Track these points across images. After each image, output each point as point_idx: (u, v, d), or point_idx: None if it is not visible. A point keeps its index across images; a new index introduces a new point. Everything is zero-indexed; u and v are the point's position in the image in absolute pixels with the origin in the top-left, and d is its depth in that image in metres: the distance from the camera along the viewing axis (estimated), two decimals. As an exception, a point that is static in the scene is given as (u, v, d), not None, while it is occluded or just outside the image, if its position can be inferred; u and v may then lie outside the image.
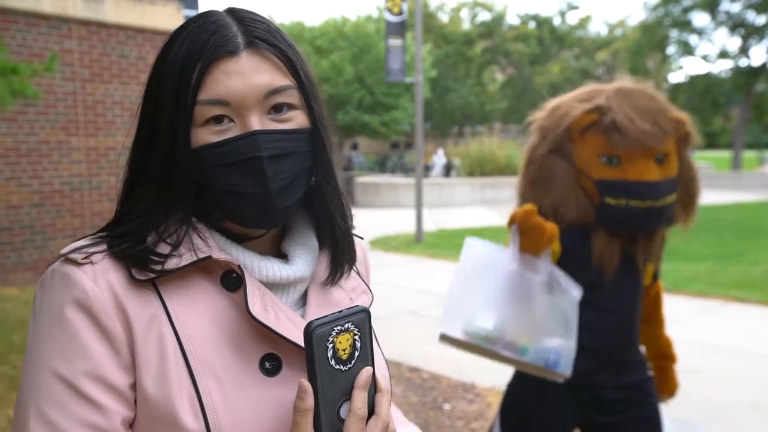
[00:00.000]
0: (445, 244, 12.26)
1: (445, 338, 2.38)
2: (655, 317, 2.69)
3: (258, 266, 1.00)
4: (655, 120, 2.37)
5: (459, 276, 2.51)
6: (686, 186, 2.54)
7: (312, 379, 0.87)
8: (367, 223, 16.09)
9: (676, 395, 2.71)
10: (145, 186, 0.98)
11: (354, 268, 1.16)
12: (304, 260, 1.06)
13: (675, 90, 36.70)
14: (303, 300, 1.07)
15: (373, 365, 0.93)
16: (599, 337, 2.51)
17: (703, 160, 39.96)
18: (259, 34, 0.98)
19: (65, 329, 0.89)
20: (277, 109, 0.98)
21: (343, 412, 0.90)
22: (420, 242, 12.99)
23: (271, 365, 0.97)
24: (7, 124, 7.40)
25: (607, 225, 2.46)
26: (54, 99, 7.72)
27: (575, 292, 2.35)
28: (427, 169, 18.38)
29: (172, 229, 0.96)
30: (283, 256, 1.07)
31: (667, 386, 2.68)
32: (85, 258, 0.91)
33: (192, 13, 15.96)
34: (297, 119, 1.00)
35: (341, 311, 0.90)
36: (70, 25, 7.74)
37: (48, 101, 7.63)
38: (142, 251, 0.93)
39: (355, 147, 33.41)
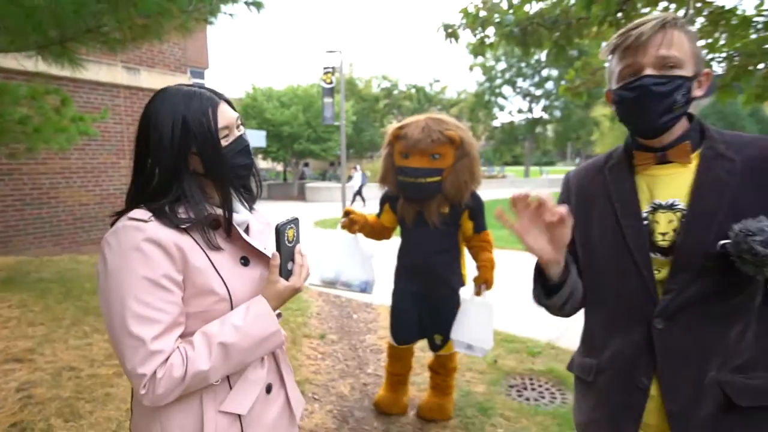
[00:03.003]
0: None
1: (312, 284, 2.42)
2: (480, 254, 2.49)
3: (236, 218, 1.03)
4: (428, 134, 2.30)
5: (320, 250, 2.56)
6: (456, 176, 2.37)
7: (278, 250, 1.00)
8: (313, 211, 15.84)
9: (492, 283, 2.50)
10: (173, 187, 0.96)
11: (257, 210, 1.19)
12: (246, 210, 1.09)
13: (494, 131, 37.56)
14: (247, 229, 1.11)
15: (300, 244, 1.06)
16: (411, 258, 2.50)
17: (510, 172, 41.48)
18: (222, 95, 1.04)
19: (145, 254, 0.89)
20: (241, 125, 1.06)
21: (290, 266, 1.03)
22: (344, 221, 12.85)
23: (243, 261, 1.03)
24: (78, 152, 7.01)
25: (402, 192, 2.45)
26: (109, 136, 7.33)
27: (370, 251, 2.48)
28: (349, 179, 18.32)
29: (192, 202, 0.96)
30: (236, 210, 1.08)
31: (482, 276, 2.46)
32: (148, 218, 0.92)
33: (198, 81, 15.30)
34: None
35: (288, 219, 1.04)
36: (119, 89, 7.38)
37: (104, 137, 7.24)
38: (173, 214, 0.94)
39: (306, 165, 32.82)
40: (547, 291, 1.09)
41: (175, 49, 8.11)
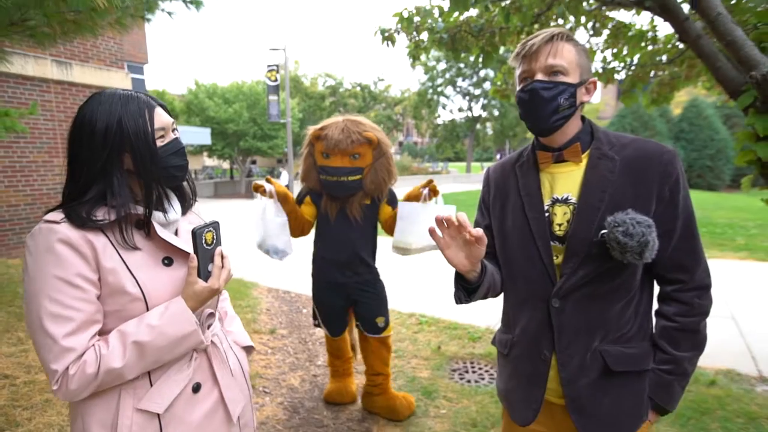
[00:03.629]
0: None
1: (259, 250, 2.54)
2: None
3: (158, 216, 1.03)
4: (348, 135, 2.35)
5: (264, 223, 2.54)
6: (375, 174, 2.44)
7: (195, 253, 0.99)
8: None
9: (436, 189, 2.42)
10: (97, 184, 0.96)
11: (196, 213, 1.20)
12: (176, 209, 1.09)
13: (437, 128, 38.31)
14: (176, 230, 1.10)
15: (221, 246, 1.05)
16: (336, 252, 2.51)
17: (453, 167, 42.45)
18: (158, 100, 1.06)
19: (57, 255, 0.90)
20: (175, 130, 1.06)
21: (209, 267, 1.02)
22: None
23: (167, 261, 1.03)
24: (4, 150, 6.45)
25: (325, 190, 2.48)
26: (39, 133, 6.78)
27: (282, 219, 2.49)
28: (297, 174, 18.09)
29: (118, 199, 0.96)
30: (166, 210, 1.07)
31: (423, 186, 2.44)
32: (60, 220, 0.93)
33: (136, 76, 14.43)
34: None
35: (207, 223, 1.03)
36: (49, 84, 6.84)
37: (35, 134, 6.70)
38: (86, 215, 0.94)
39: (254, 162, 31.97)
40: (468, 292, 1.19)
41: (110, 43, 7.63)
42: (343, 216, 2.49)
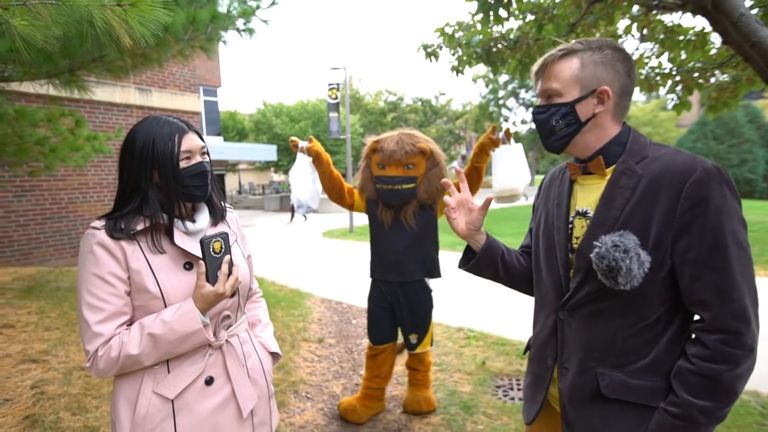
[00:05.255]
0: (366, 232, 12.38)
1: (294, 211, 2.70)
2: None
3: (180, 225, 1.15)
4: (402, 146, 2.47)
5: (295, 177, 2.75)
6: (429, 183, 2.54)
7: (204, 260, 1.08)
8: (323, 222, 15.95)
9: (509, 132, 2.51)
10: (131, 197, 1.10)
11: (227, 223, 1.29)
12: (202, 220, 1.20)
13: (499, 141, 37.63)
14: None
15: (231, 255, 1.12)
16: (392, 257, 2.60)
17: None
18: (192, 126, 1.19)
19: (95, 255, 1.06)
20: (204, 154, 1.18)
21: (218, 273, 1.10)
22: (352, 232, 13.08)
23: (188, 266, 1.14)
24: (95, 168, 7.26)
25: (381, 199, 2.60)
26: (123, 153, 7.62)
27: (308, 173, 2.69)
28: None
29: (151, 208, 1.09)
30: (193, 220, 1.20)
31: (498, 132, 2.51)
32: (101, 226, 1.07)
33: (210, 98, 15.57)
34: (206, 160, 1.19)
35: (216, 233, 1.11)
36: (132, 109, 7.64)
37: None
38: (125, 226, 1.08)
39: (317, 177, 33.21)
40: (467, 259, 1.30)
41: (185, 70, 8.37)
42: (398, 224, 2.60)
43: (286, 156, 22.58)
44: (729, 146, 19.97)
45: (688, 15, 2.41)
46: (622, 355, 1.04)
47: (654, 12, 2.67)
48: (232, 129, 24.84)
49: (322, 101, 24.19)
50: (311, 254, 9.31)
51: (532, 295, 1.33)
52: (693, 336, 1.01)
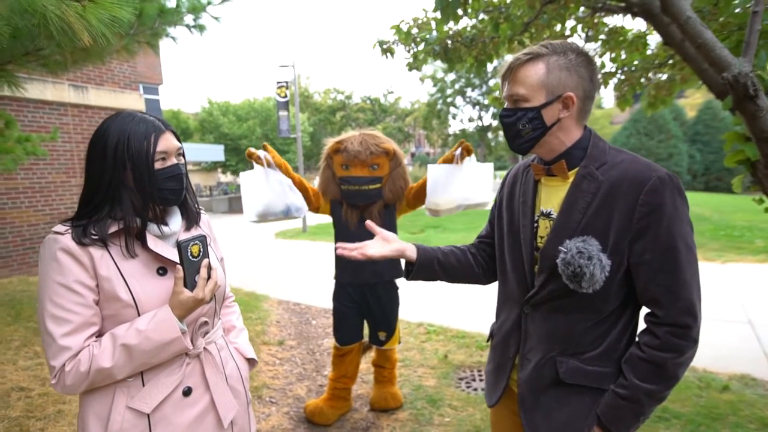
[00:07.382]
0: (320, 231, 12.29)
1: (252, 222, 2.45)
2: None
3: (153, 229, 1.08)
4: (366, 147, 2.48)
5: (246, 191, 2.48)
6: (393, 183, 2.58)
7: (181, 264, 1.03)
8: (275, 223, 15.58)
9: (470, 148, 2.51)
10: (101, 198, 1.03)
11: (200, 226, 1.22)
12: (175, 223, 1.14)
13: (448, 138, 38.21)
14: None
15: (209, 259, 1.07)
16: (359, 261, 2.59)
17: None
18: (170, 125, 1.12)
19: (59, 263, 0.97)
20: (180, 156, 1.11)
21: (196, 278, 1.05)
22: (305, 232, 12.85)
23: (161, 271, 1.07)
24: (25, 172, 6.70)
25: (346, 200, 2.58)
26: (57, 155, 7.04)
27: (289, 180, 2.47)
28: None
29: (123, 210, 1.02)
30: (165, 223, 1.13)
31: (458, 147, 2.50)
32: (65, 231, 1.00)
33: (151, 97, 14.81)
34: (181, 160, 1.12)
35: (193, 236, 1.06)
36: (66, 107, 7.11)
37: (53, 156, 6.95)
38: (97, 231, 1.01)
39: (266, 176, 32.42)
40: (407, 271, 1.38)
41: (124, 67, 7.90)
42: (363, 223, 2.52)
43: (234, 156, 21.88)
44: (658, 141, 21.52)
45: (629, 17, 2.56)
46: (579, 345, 1.13)
47: (598, 14, 2.81)
48: (175, 128, 23.66)
49: (269, 99, 23.63)
50: (265, 256, 9.08)
51: (476, 284, 1.43)
52: (645, 327, 1.09)
